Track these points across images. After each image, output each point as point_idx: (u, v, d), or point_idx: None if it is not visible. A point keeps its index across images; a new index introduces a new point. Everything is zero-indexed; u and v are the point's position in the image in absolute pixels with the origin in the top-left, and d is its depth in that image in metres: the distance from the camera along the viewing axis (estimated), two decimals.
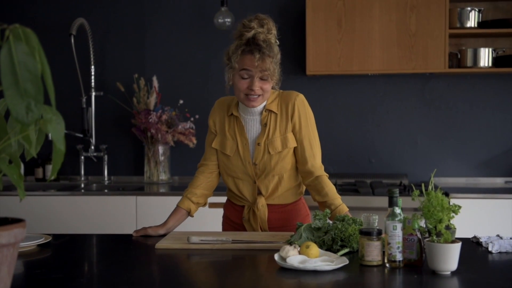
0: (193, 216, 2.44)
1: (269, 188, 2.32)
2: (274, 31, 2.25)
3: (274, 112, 2.30)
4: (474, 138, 4.13)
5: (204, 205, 2.48)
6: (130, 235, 2.30)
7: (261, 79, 2.21)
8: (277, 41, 2.26)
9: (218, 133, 2.38)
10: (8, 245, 1.21)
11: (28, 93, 1.09)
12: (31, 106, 1.09)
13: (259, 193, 2.34)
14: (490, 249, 1.98)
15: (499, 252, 1.97)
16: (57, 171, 1.21)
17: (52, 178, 1.25)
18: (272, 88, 2.28)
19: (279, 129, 2.29)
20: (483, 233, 2.32)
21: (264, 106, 2.31)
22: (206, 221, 3.46)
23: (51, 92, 1.13)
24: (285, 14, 4.19)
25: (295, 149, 2.32)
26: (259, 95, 2.23)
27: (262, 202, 2.33)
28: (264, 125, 2.30)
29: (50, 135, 1.19)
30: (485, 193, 3.63)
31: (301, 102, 2.31)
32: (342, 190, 3.73)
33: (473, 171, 4.13)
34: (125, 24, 4.32)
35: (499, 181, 4.10)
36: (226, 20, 4.02)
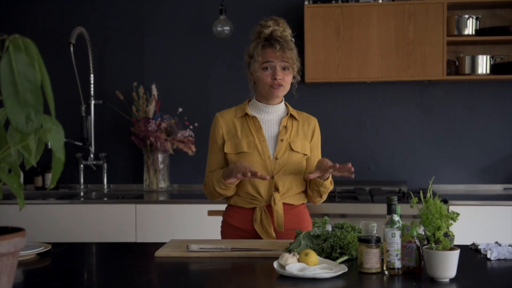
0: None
1: (285, 184, 2.38)
2: (289, 31, 2.43)
3: (296, 119, 2.45)
4: (472, 145, 4.14)
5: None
6: (130, 243, 2.30)
7: (283, 70, 2.36)
8: (293, 39, 2.43)
9: (227, 139, 2.42)
10: (8, 254, 1.21)
11: (28, 103, 1.09)
12: (31, 115, 1.10)
13: (275, 189, 2.38)
14: (488, 256, 1.98)
15: (498, 259, 1.97)
16: (57, 179, 1.22)
17: (52, 186, 1.26)
18: (294, 78, 2.42)
19: (300, 135, 2.43)
20: (482, 240, 2.33)
21: (287, 111, 2.46)
22: (205, 229, 3.47)
23: (51, 101, 1.13)
24: None
25: (307, 160, 2.44)
26: (281, 85, 2.37)
27: (278, 198, 2.37)
28: (284, 126, 2.42)
29: (49, 144, 1.19)
30: (484, 200, 3.63)
31: (318, 126, 2.51)
32: (341, 197, 3.73)
33: (471, 178, 4.14)
34: (124, 33, 4.34)
35: (498, 188, 4.10)
36: (224, 28, 4.04)
